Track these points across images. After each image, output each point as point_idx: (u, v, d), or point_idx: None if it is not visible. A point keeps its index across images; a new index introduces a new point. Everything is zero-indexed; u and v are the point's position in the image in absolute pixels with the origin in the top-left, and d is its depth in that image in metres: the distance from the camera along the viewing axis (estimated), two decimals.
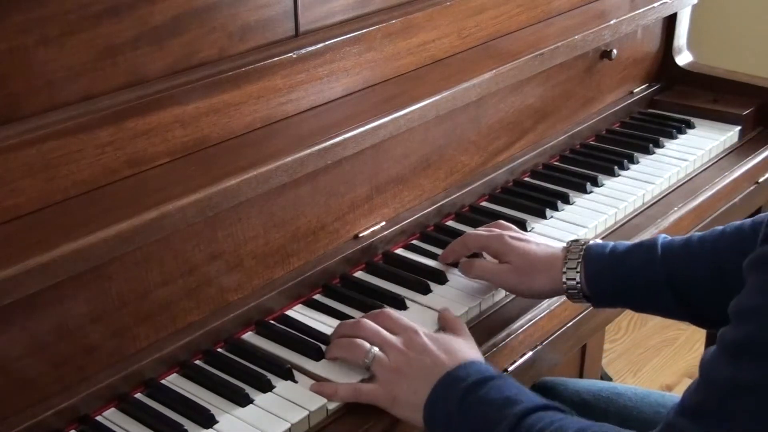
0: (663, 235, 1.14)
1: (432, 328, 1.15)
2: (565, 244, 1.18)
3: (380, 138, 1.24)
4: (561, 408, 0.96)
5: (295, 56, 1.21)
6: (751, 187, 1.60)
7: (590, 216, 1.41)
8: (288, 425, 1.00)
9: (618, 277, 1.13)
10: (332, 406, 1.04)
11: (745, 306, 0.79)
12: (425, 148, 1.38)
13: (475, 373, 1.00)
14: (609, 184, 1.52)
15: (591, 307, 1.24)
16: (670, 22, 1.83)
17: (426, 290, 1.23)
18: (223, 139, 1.16)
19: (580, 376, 2.00)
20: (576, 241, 1.17)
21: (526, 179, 1.55)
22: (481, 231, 1.26)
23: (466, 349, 1.06)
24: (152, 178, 1.07)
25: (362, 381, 1.06)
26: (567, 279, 1.14)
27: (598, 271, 1.13)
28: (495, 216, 1.41)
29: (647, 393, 1.31)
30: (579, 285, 1.14)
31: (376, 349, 1.05)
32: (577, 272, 1.14)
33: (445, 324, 1.14)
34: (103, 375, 1.03)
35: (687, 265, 1.09)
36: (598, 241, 1.17)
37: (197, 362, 1.11)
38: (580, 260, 1.14)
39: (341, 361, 1.08)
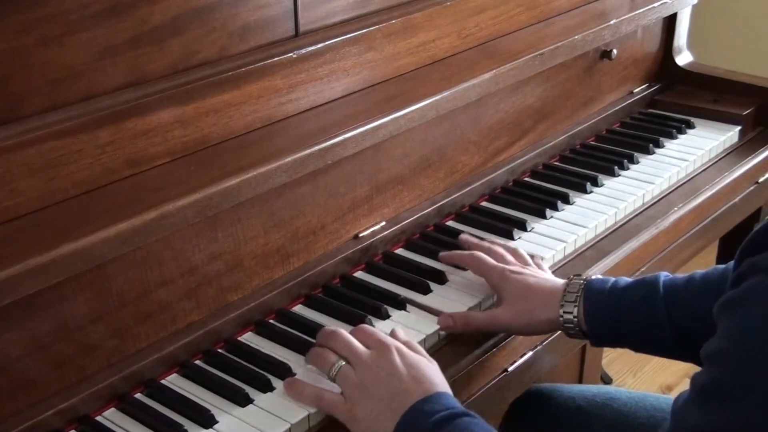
0: (664, 273, 1.12)
1: (431, 329, 1.15)
2: (567, 278, 1.15)
3: (380, 138, 1.24)
4: None
5: (295, 56, 1.21)
6: (751, 187, 1.60)
7: (590, 216, 1.41)
8: (288, 425, 1.00)
9: (617, 314, 1.10)
10: None
11: (713, 350, 0.78)
12: (425, 148, 1.38)
13: (443, 407, 0.96)
14: (609, 184, 1.52)
15: None
16: (670, 22, 1.83)
17: (426, 290, 1.23)
18: (223, 139, 1.16)
19: (580, 376, 2.00)
20: (578, 275, 1.15)
21: (526, 179, 1.55)
22: (488, 259, 1.22)
23: (435, 377, 1.01)
24: (152, 178, 1.07)
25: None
26: (564, 313, 1.12)
27: (597, 306, 1.10)
28: (495, 216, 1.42)
29: (642, 396, 1.31)
30: (576, 320, 1.11)
31: (342, 363, 1.02)
32: (575, 306, 1.11)
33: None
34: (103, 375, 1.03)
35: (690, 303, 1.06)
36: (599, 276, 1.15)
37: (197, 362, 1.11)
38: (579, 294, 1.12)
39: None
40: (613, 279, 1.13)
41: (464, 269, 1.28)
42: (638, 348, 1.13)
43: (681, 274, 1.12)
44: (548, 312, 1.13)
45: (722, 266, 1.09)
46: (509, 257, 1.23)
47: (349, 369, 1.02)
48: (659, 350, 1.12)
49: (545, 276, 1.19)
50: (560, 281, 1.16)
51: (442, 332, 1.16)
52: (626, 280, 1.13)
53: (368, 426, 0.98)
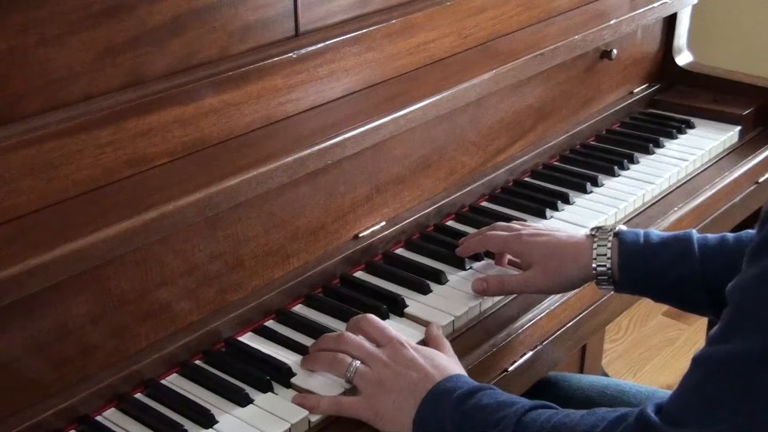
0: (694, 231, 1.13)
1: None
2: (588, 231, 1.17)
3: (380, 138, 1.24)
4: (554, 406, 0.96)
5: (295, 56, 1.21)
6: (751, 187, 1.60)
7: (590, 216, 1.41)
8: (288, 425, 1.00)
9: (652, 268, 1.11)
10: None
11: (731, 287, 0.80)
12: (425, 148, 1.38)
13: (464, 384, 0.99)
14: (609, 184, 1.52)
15: (591, 307, 1.24)
16: (670, 22, 1.83)
17: (426, 290, 1.23)
18: (223, 139, 1.16)
19: None
20: (600, 228, 1.16)
21: (526, 179, 1.55)
22: (501, 232, 1.24)
23: (452, 365, 1.04)
24: (152, 178, 1.07)
25: (344, 393, 1.04)
26: (598, 265, 1.13)
27: (632, 258, 1.11)
28: (495, 216, 1.41)
29: (652, 391, 1.31)
30: (610, 271, 1.13)
31: (358, 362, 1.03)
32: (608, 258, 1.12)
33: (429, 341, 1.11)
34: (103, 375, 1.04)
35: (725, 263, 1.07)
36: (623, 227, 1.16)
37: (197, 362, 1.11)
38: (610, 246, 1.13)
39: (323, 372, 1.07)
40: (642, 231, 1.14)
41: (465, 269, 1.28)
42: (665, 300, 1.15)
43: (711, 234, 1.13)
44: (579, 266, 1.14)
45: (753, 231, 1.10)
46: (516, 225, 1.25)
47: (366, 368, 1.03)
48: (687, 305, 1.13)
49: (564, 232, 1.20)
50: (581, 235, 1.18)
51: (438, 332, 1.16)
52: (657, 233, 1.14)
53: (393, 418, 0.99)
